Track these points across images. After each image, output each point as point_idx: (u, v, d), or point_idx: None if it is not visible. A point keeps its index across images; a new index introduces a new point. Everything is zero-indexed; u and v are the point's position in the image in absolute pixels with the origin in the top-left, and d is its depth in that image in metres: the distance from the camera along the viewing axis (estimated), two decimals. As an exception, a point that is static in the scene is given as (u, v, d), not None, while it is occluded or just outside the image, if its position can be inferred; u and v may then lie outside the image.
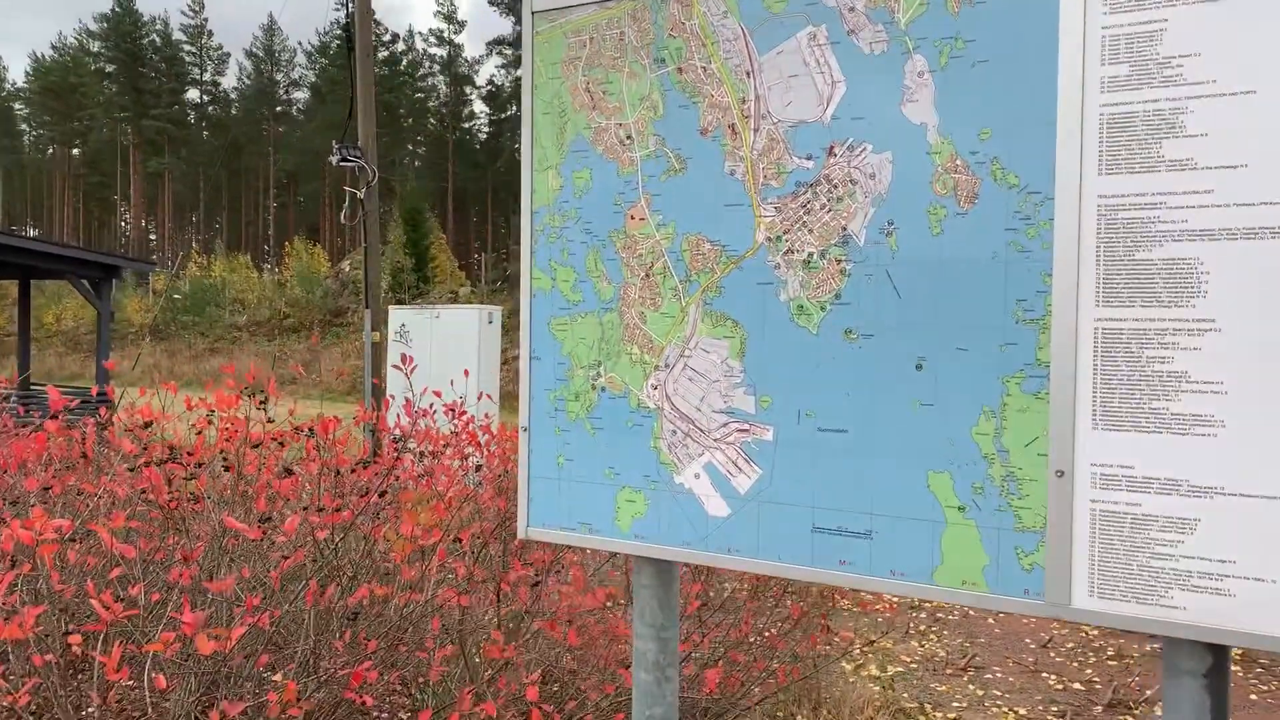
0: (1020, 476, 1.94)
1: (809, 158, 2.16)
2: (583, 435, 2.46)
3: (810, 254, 2.16)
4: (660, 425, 2.35)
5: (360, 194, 12.56)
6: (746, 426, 2.24)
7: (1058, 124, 1.89)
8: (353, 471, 3.59)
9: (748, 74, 2.23)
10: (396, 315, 11.95)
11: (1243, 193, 1.74)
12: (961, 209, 1.99)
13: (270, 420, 3.70)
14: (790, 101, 2.18)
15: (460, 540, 3.38)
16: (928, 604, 7.87)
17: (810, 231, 2.16)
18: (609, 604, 3.50)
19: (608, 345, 2.43)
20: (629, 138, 2.39)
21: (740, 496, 2.25)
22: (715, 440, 2.28)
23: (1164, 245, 1.80)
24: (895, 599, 7.13)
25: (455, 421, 4.56)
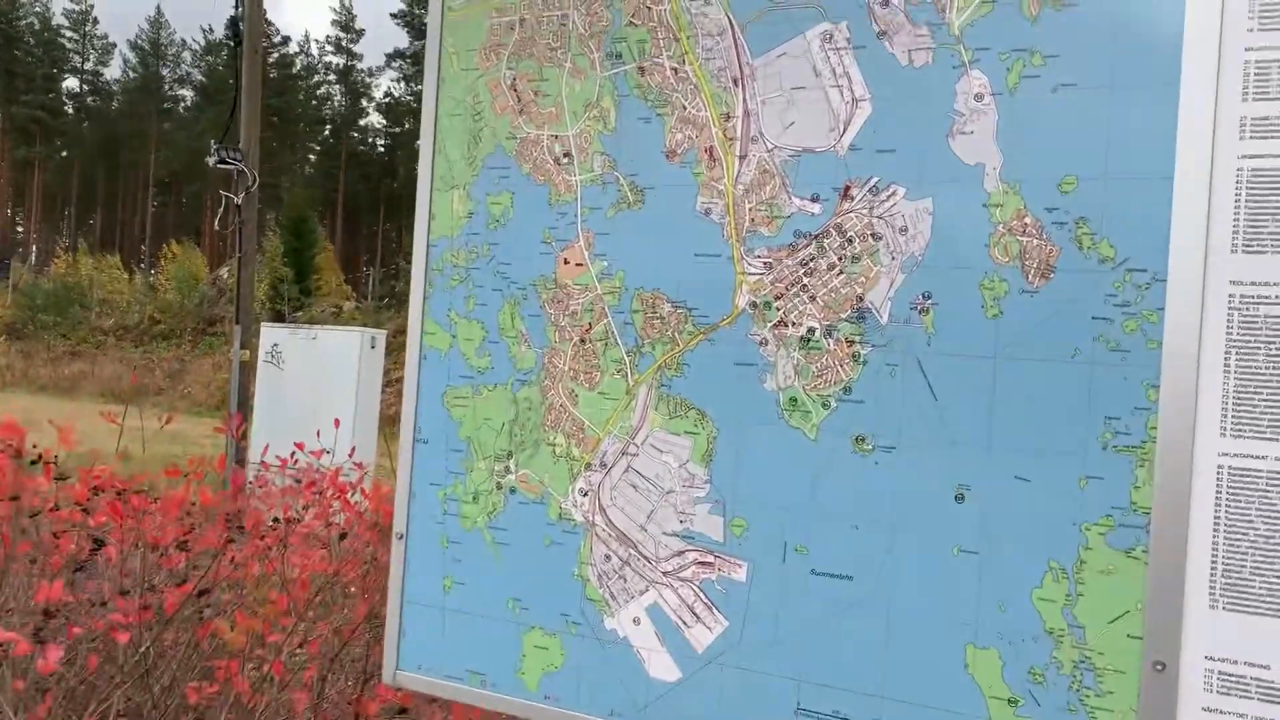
0: (1100, 665, 1.38)
1: (815, 199, 1.58)
2: (481, 551, 1.82)
3: (811, 329, 1.58)
4: (589, 547, 1.73)
5: (237, 200, 11.60)
6: (710, 559, 1.64)
7: (1175, 178, 1.35)
8: (180, 548, 2.85)
9: (735, 81, 1.65)
10: (269, 334, 10.99)
11: None
12: (1031, 285, 1.44)
13: (62, 477, 2.93)
14: (793, 122, 1.60)
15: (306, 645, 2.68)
16: None
17: (813, 299, 1.58)
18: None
19: (523, 431, 1.80)
20: (566, 155, 1.78)
21: (696, 655, 1.64)
22: (665, 574, 1.67)
23: (1326, 358, 1.28)
24: None
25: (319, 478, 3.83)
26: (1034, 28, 1.45)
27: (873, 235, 1.54)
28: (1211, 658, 1.33)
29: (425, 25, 2.02)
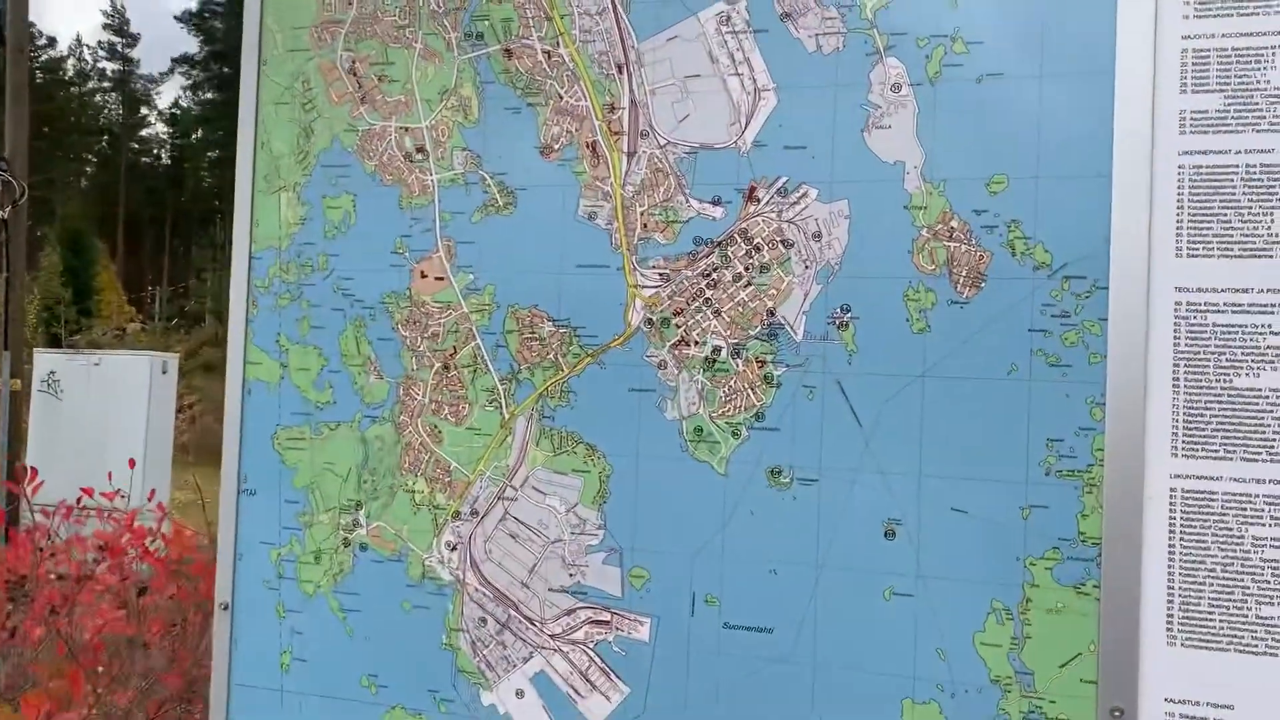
0: (1052, 715, 1.25)
1: (716, 202, 1.40)
2: (327, 621, 1.53)
3: (717, 349, 1.38)
4: (460, 610, 1.48)
5: (4, 213, 10.47)
6: (606, 616, 1.42)
7: (1114, 177, 1.24)
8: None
9: (619, 68, 1.44)
10: (44, 360, 9.93)
11: None
12: (960, 295, 1.30)
13: None
14: (688, 115, 1.41)
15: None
16: None
17: (717, 314, 1.39)
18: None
19: (375, 477, 1.52)
20: (420, 151, 1.53)
21: (593, 729, 1.41)
22: (553, 637, 1.44)
23: (1278, 369, 1.19)
24: None
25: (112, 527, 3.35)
26: (955, 11, 1.31)
27: (783, 242, 1.36)
28: (1172, 699, 1.21)
29: (215, 30, 1.71)
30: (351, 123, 1.56)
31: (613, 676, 1.41)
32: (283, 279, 1.58)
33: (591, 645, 1.42)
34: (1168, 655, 1.22)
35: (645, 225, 1.42)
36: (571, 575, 1.43)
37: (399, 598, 1.49)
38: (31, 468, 4.83)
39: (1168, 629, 1.22)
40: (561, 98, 1.46)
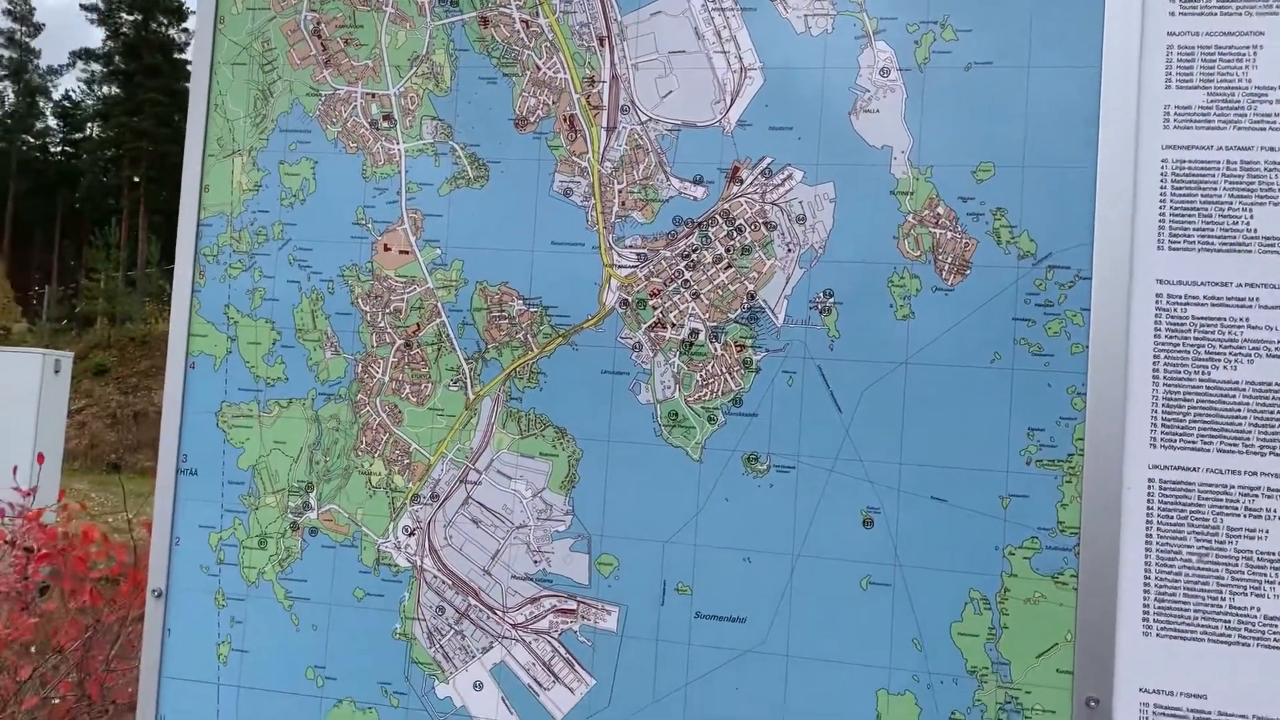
0: (1028, 705, 1.24)
1: (698, 181, 1.36)
2: (270, 609, 1.44)
3: (695, 332, 1.35)
4: (416, 597, 1.40)
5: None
6: (572, 605, 1.36)
7: (1098, 169, 1.25)
8: None
9: (601, 40, 1.40)
10: (-75, 356, 9.38)
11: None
12: (945, 282, 1.29)
13: None
14: (671, 91, 1.38)
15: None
16: None
17: (696, 297, 1.35)
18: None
19: (328, 458, 1.45)
20: (387, 119, 1.46)
21: (555, 723, 1.36)
22: (515, 626, 1.38)
23: (1254, 362, 1.21)
24: None
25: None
26: (944, -1, 1.31)
27: (765, 224, 1.34)
28: (1146, 689, 1.21)
29: (120, 22, 1.62)
30: (314, 86, 1.48)
31: (578, 667, 1.35)
32: (234, 248, 1.49)
33: (556, 635, 1.36)
34: (1143, 645, 1.22)
35: (623, 203, 1.38)
36: (536, 562, 1.37)
37: (351, 585, 1.42)
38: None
39: (1144, 619, 1.22)
40: (539, 69, 1.41)
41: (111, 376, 24.73)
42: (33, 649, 2.68)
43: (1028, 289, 1.26)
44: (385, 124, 1.46)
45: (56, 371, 9.18)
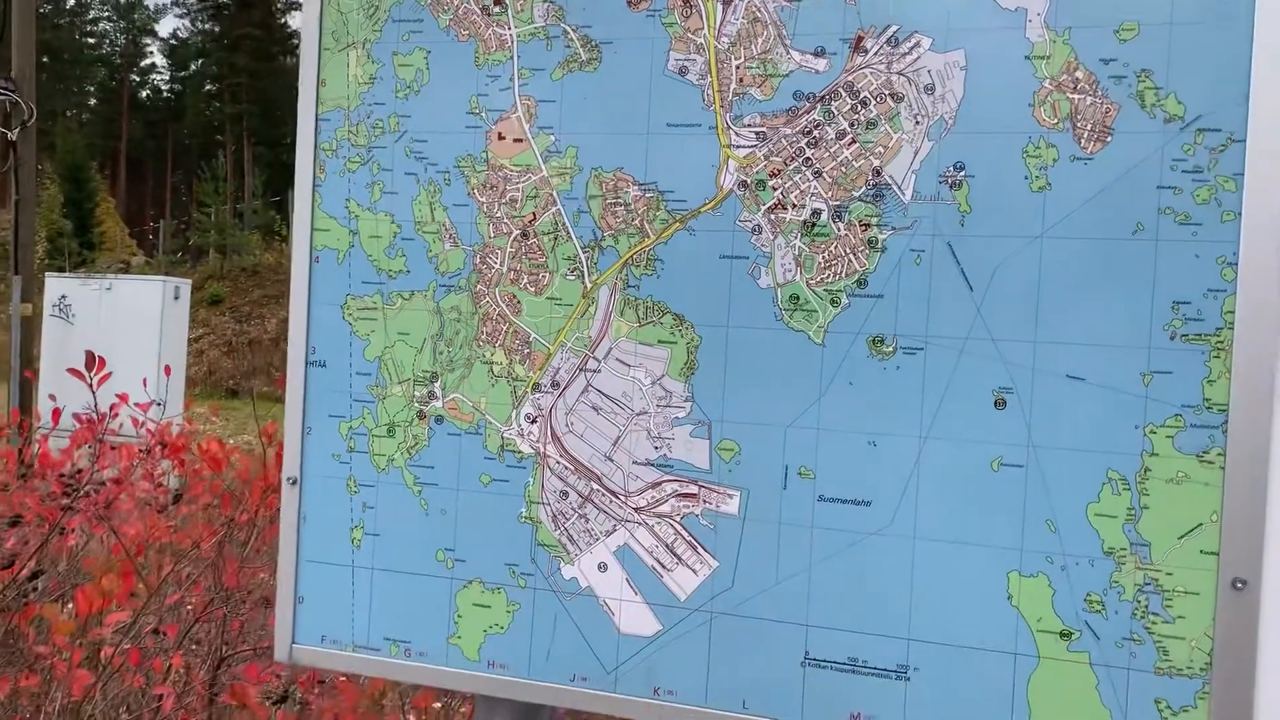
0: (1169, 587, 1.20)
1: (820, 54, 1.32)
2: (400, 495, 1.48)
3: (817, 212, 1.31)
4: (540, 483, 1.43)
5: (12, 135, 10.32)
6: (694, 489, 1.37)
7: (1255, 19, 1.16)
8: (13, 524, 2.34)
9: (715, -90, 1.35)
10: (55, 285, 9.84)
11: None
12: (1084, 151, 1.22)
13: None
14: (789, -40, 1.33)
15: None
16: None
17: (818, 175, 1.31)
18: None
19: (451, 348, 1.47)
20: (498, 3, 1.44)
21: (679, 604, 1.37)
22: (638, 510, 1.39)
23: None
24: None
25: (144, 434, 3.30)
26: None
27: (892, 96, 1.29)
28: (1298, 571, 1.16)
29: None
30: (424, -26, 1.47)
31: (700, 550, 1.36)
32: (351, 142, 1.50)
33: (678, 519, 1.37)
34: (1296, 526, 1.16)
35: (741, 80, 1.34)
36: (657, 449, 1.38)
37: (477, 471, 1.44)
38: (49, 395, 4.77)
39: (1297, 498, 1.16)
40: (652, -56, 1.37)
41: (226, 306, 25.69)
42: (169, 552, 2.82)
43: (1174, 154, 1.19)
44: (496, 9, 1.44)
45: (176, 298, 9.57)
